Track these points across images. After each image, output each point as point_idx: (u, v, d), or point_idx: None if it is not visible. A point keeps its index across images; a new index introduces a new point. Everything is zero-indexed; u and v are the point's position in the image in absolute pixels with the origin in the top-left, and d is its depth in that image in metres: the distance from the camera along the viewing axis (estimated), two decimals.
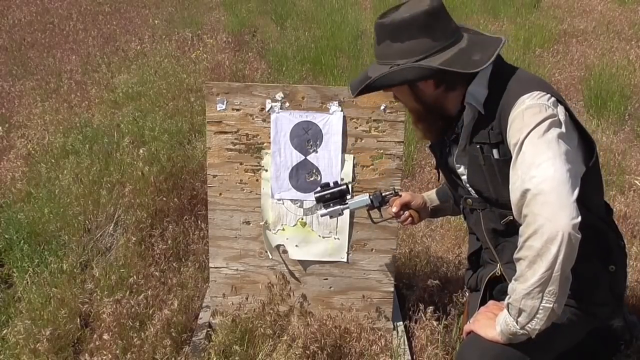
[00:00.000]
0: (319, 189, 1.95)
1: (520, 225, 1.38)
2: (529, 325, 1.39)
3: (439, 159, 1.76)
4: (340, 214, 1.96)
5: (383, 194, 1.93)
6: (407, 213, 1.93)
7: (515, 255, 1.38)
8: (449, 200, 1.97)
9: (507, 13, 7.37)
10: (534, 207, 1.31)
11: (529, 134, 1.38)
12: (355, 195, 2.01)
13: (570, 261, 1.31)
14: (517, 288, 1.38)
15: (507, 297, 1.43)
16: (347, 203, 1.93)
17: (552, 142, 1.36)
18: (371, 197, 1.92)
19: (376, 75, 1.54)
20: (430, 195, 2.02)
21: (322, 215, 1.98)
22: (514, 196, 1.38)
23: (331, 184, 1.94)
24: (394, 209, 1.92)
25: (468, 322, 1.64)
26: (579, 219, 1.28)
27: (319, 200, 1.94)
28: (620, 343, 1.95)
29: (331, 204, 1.93)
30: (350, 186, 1.98)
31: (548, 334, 1.45)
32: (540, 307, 1.36)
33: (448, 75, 1.51)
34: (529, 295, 1.35)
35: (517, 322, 1.41)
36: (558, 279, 1.31)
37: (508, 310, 1.44)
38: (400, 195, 1.95)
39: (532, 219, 1.31)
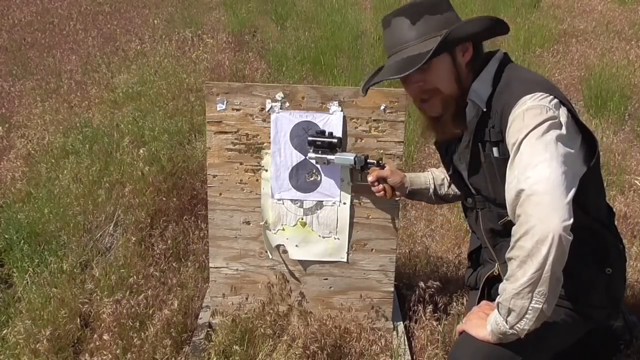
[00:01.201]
0: (314, 132, 2.08)
1: None
2: (518, 325, 1.40)
3: (444, 156, 1.77)
4: (325, 163, 2.08)
5: (367, 160, 2.03)
6: (381, 186, 2.02)
7: (507, 255, 1.39)
8: (428, 188, 2.03)
9: (507, 13, 7.36)
10: (527, 207, 1.32)
11: (527, 134, 1.39)
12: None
13: (561, 263, 1.31)
14: (507, 288, 1.39)
15: (498, 296, 1.44)
16: (333, 156, 2.05)
17: (550, 143, 1.36)
18: (355, 158, 2.03)
19: (445, 32, 1.50)
20: (414, 179, 2.04)
21: (309, 158, 2.10)
22: (509, 196, 1.39)
23: (327, 133, 2.06)
24: (370, 179, 2.02)
25: (461, 322, 1.65)
26: (571, 221, 1.28)
27: (310, 143, 2.07)
28: (620, 343, 1.95)
29: (320, 151, 2.06)
30: (342, 142, 2.09)
31: (540, 334, 1.45)
32: (530, 308, 1.36)
33: (480, 39, 1.59)
34: (519, 295, 1.36)
35: (506, 322, 1.42)
36: (548, 280, 1.31)
37: (498, 310, 1.44)
38: (382, 167, 2.00)
39: (525, 219, 1.32)
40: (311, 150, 2.08)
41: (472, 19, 1.58)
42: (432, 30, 1.55)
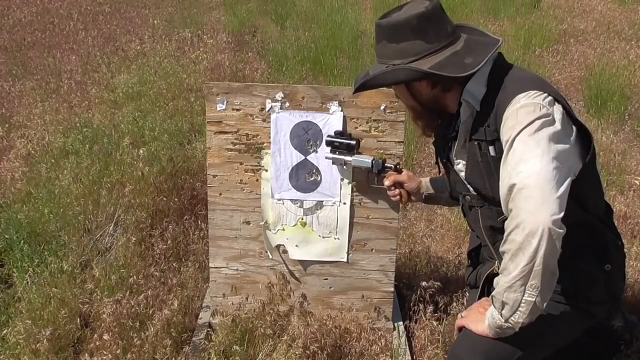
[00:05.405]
0: (332, 133, 2.07)
1: None
2: (512, 318, 1.41)
3: (441, 155, 1.77)
4: (342, 164, 2.08)
5: (385, 164, 2.02)
6: (397, 191, 2.02)
7: (500, 249, 1.41)
8: (444, 191, 2.00)
9: (507, 13, 7.37)
10: (518, 201, 1.33)
11: (520, 131, 1.40)
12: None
13: (553, 256, 1.32)
14: (500, 281, 1.40)
15: (493, 290, 1.44)
16: (351, 157, 2.04)
17: (543, 140, 1.38)
18: (373, 161, 2.02)
19: (371, 75, 1.60)
20: (429, 183, 2.05)
21: (326, 158, 2.09)
22: (502, 191, 1.41)
23: (345, 134, 2.06)
24: (386, 183, 2.02)
25: (460, 318, 1.65)
26: (561, 215, 1.30)
27: (328, 143, 2.06)
28: (620, 343, 1.95)
29: (337, 152, 2.05)
30: (359, 144, 2.07)
31: (540, 330, 1.46)
32: (523, 301, 1.37)
33: (442, 77, 1.53)
34: (511, 288, 1.37)
35: (501, 315, 1.43)
36: (540, 273, 1.32)
37: (493, 303, 1.45)
38: (400, 172, 2.02)
39: (516, 212, 1.34)
40: (329, 151, 2.07)
41: (396, 68, 1.56)
42: (385, 58, 1.61)
